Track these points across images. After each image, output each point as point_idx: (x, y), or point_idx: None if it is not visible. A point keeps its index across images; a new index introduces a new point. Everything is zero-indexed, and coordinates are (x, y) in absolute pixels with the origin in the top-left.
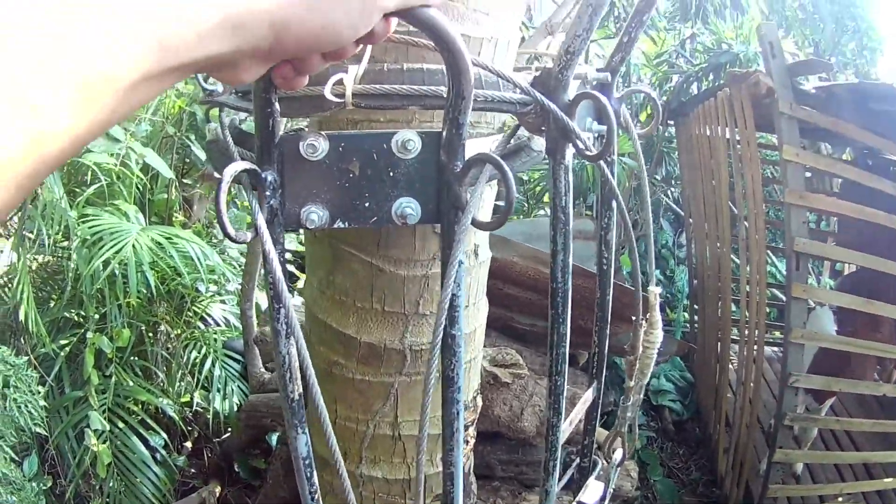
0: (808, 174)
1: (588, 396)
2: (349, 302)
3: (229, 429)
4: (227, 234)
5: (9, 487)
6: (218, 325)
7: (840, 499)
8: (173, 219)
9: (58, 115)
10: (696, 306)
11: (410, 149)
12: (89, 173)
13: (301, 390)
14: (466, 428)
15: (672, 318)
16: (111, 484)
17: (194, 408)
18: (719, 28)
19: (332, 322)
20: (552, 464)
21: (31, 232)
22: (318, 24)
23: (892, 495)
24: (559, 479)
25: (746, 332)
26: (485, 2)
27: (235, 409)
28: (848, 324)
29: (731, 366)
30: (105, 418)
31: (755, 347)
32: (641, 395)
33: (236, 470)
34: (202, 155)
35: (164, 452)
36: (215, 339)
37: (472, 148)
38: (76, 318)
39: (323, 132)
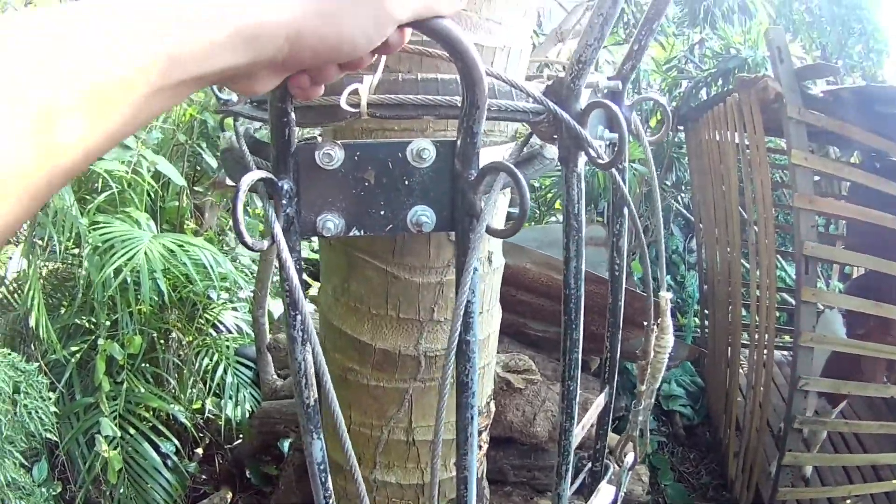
0: (817, 178)
1: (600, 401)
2: (364, 309)
3: (241, 435)
4: (243, 243)
5: (18, 493)
6: (230, 332)
7: (848, 501)
8: (185, 226)
9: (70, 125)
10: (706, 311)
11: (425, 157)
12: (100, 181)
13: (316, 396)
14: (480, 433)
15: (683, 324)
16: (122, 490)
17: (206, 415)
18: (727, 33)
19: (347, 329)
20: (564, 468)
21: (42, 239)
22: (334, 36)
23: None
24: (571, 484)
25: (756, 336)
26: (498, 11)
27: (247, 415)
28: (857, 327)
29: (741, 370)
30: (116, 424)
31: (765, 351)
32: (653, 400)
33: (248, 476)
34: (213, 163)
35: (175, 459)
36: (227, 347)
37: (485, 156)
38: (87, 324)
39: (338, 141)
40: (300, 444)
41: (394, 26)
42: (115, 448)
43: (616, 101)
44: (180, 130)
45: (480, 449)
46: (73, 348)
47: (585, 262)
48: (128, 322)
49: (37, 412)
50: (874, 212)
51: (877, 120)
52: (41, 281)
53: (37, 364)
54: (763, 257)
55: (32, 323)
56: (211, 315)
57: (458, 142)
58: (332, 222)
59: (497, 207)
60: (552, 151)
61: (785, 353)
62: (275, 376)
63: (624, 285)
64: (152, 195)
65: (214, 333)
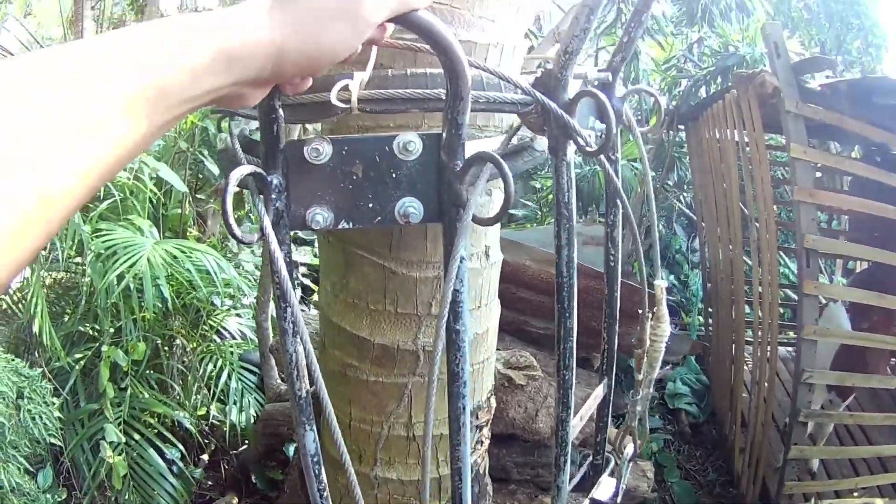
0: (819, 174)
1: (599, 392)
2: (362, 304)
3: (246, 441)
4: (233, 235)
5: (23, 499)
6: (234, 338)
7: (855, 493)
8: (187, 234)
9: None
10: (710, 309)
11: (412, 150)
12: (102, 188)
13: (308, 387)
14: (481, 428)
15: (687, 322)
16: (127, 496)
17: (211, 420)
18: (726, 31)
19: (345, 325)
20: (563, 459)
21: (45, 248)
22: (314, 50)
23: None
24: (572, 479)
25: (760, 332)
26: (491, 9)
27: (252, 421)
28: (861, 320)
29: (745, 367)
30: (121, 430)
31: (769, 347)
32: (651, 389)
33: (253, 481)
34: (215, 170)
35: (180, 464)
36: (231, 352)
37: (477, 149)
38: (91, 332)
39: (326, 136)
40: None
41: (371, 29)
42: (119, 454)
43: (607, 92)
44: (182, 138)
45: (483, 444)
46: (78, 355)
47: (588, 262)
48: (131, 329)
49: (41, 417)
50: (875, 203)
51: (875, 111)
52: (44, 290)
53: (40, 370)
54: (765, 254)
55: (36, 330)
56: (215, 321)
57: (444, 133)
58: (321, 215)
59: (493, 202)
60: (542, 143)
61: (789, 349)
62: (278, 380)
63: (620, 276)
64: (154, 203)
65: (218, 339)
